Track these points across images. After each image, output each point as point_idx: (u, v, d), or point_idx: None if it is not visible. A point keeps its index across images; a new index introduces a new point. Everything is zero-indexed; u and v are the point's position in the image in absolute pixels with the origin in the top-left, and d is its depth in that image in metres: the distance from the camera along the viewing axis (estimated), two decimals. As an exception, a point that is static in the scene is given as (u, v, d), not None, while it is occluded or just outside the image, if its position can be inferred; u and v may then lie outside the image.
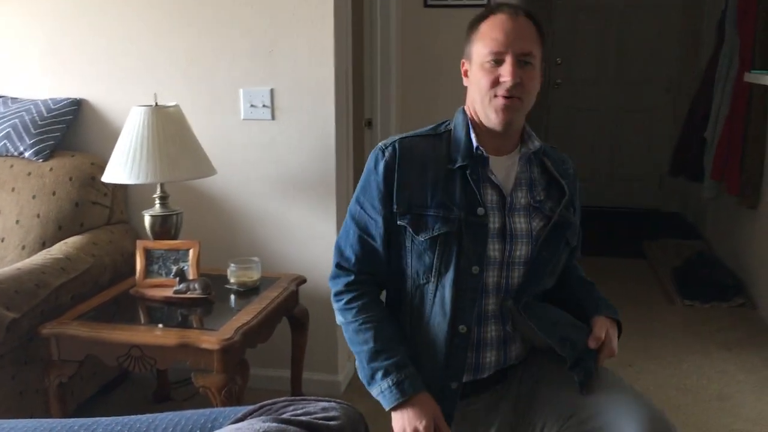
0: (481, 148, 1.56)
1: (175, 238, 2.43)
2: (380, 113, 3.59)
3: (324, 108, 2.62)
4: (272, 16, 2.58)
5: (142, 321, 2.20)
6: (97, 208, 2.58)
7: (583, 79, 6.00)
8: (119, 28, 2.70)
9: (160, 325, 2.10)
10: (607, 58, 5.93)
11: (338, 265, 1.64)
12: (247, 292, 2.35)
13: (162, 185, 2.42)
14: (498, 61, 1.51)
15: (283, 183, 2.69)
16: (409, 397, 1.48)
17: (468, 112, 1.62)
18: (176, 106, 2.40)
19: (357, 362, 1.58)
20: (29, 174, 2.55)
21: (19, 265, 2.22)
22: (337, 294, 1.62)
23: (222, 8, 2.62)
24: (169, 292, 2.27)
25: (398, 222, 1.54)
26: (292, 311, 2.47)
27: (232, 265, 2.38)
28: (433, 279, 1.54)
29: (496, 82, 1.52)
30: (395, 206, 1.55)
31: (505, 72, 1.50)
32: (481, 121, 1.58)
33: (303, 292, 2.54)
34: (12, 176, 2.56)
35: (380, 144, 1.63)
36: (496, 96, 1.52)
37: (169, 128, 2.33)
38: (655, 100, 5.85)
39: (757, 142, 3.73)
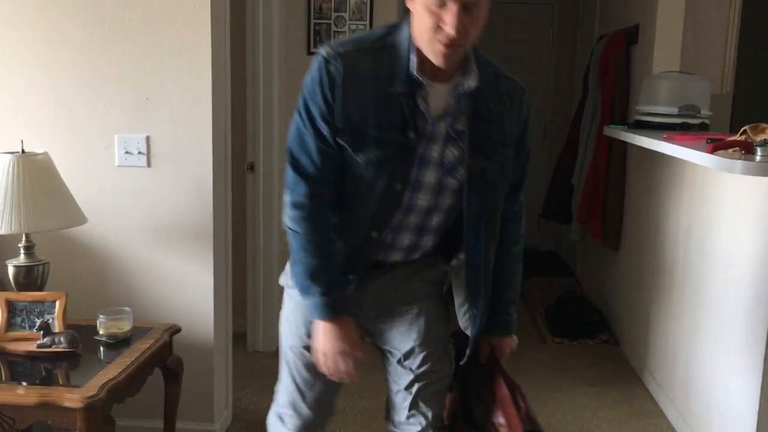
0: (418, 74, 1.52)
1: (41, 289, 2.36)
2: (263, 157, 3.62)
3: (202, 155, 2.63)
4: (148, 65, 2.58)
5: (2, 378, 2.12)
6: (-44, 256, 2.47)
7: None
8: (-14, 71, 2.63)
9: (23, 383, 2.04)
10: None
11: (297, 171, 1.61)
12: (118, 343, 2.31)
13: (28, 234, 2.35)
14: (442, 4, 1.43)
15: (159, 230, 2.67)
16: (332, 317, 1.64)
17: (411, 33, 1.55)
18: (45, 153, 2.35)
19: (294, 268, 1.66)
20: None
21: None
22: (295, 205, 1.61)
23: (96, 55, 2.58)
24: (32, 346, 2.20)
25: (337, 139, 1.56)
26: (166, 361, 2.44)
27: (102, 316, 2.33)
28: (363, 190, 1.59)
29: (438, 26, 1.45)
30: (337, 122, 1.55)
31: (449, 21, 1.43)
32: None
33: (177, 341, 2.52)
34: None
35: (325, 52, 1.55)
36: (437, 41, 1.46)
37: (36, 176, 2.27)
38: (533, 143, 6.14)
39: (617, 189, 4.01)
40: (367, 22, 3.67)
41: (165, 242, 2.68)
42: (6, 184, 2.23)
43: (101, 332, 2.33)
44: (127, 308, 2.41)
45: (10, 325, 2.26)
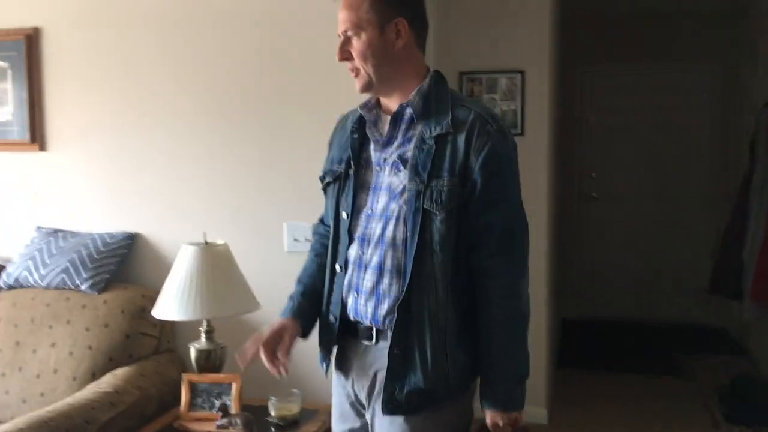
0: (360, 109, 1.77)
1: (219, 370, 2.51)
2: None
3: (363, 241, 2.72)
4: (316, 155, 2.73)
5: (185, 457, 2.26)
6: (146, 338, 2.69)
7: (618, 194, 6.08)
8: (171, 168, 2.90)
9: (203, 463, 2.16)
10: (641, 174, 6.01)
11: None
12: (288, 426, 2.40)
13: (209, 320, 2.52)
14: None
15: (324, 313, 2.77)
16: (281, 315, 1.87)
17: None
18: (224, 244, 2.54)
19: None
20: (84, 306, 2.68)
21: (70, 400, 2.30)
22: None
23: (268, 148, 2.80)
24: (212, 426, 2.33)
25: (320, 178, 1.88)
26: (331, 444, 2.49)
27: (272, 398, 2.44)
28: (329, 223, 1.85)
29: None
30: (326, 167, 1.86)
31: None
32: None
33: (342, 424, 2.57)
34: (67, 309, 2.69)
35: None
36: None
37: (217, 266, 2.45)
38: (694, 214, 5.88)
39: (795, 264, 3.72)
40: (519, 103, 3.71)
41: (329, 325, 2.77)
42: (191, 273, 2.42)
43: (272, 414, 2.43)
44: (295, 390, 2.50)
45: (192, 405, 2.42)
